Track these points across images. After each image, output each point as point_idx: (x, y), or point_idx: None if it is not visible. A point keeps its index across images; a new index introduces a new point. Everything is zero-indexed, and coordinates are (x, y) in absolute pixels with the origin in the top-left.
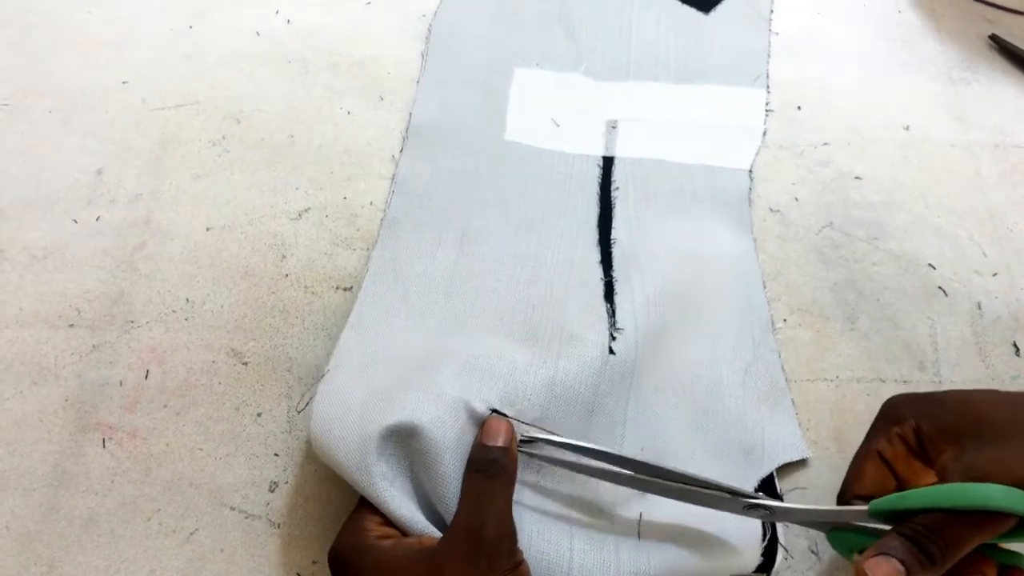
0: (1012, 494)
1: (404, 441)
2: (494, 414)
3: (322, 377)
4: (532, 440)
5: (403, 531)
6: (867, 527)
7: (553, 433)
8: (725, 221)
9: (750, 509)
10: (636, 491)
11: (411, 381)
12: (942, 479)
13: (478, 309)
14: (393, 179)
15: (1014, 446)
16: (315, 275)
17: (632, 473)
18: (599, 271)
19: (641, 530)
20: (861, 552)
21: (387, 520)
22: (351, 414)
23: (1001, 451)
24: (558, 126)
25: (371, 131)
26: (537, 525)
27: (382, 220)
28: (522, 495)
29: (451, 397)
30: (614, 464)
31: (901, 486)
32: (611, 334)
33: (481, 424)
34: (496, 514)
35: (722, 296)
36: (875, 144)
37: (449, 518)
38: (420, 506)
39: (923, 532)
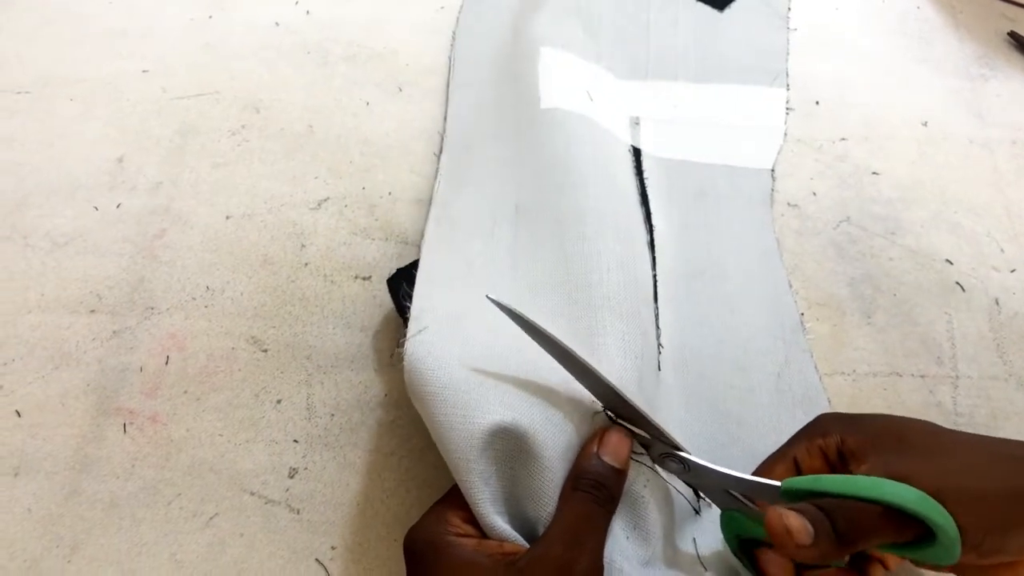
0: (924, 500)
1: (511, 440)
2: (617, 424)
3: (407, 321)
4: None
5: (486, 534)
6: (761, 517)
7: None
8: (748, 221)
9: (665, 458)
10: (689, 513)
11: (511, 366)
12: None
13: (547, 276)
14: (437, 172)
15: (933, 461)
16: (334, 264)
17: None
18: (648, 255)
19: (702, 560)
20: (746, 540)
21: (472, 516)
22: (453, 382)
23: (920, 461)
24: (592, 100)
25: (390, 122)
26: (618, 557)
27: (432, 196)
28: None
29: (562, 395)
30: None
31: None
32: (659, 347)
33: (596, 432)
34: (592, 550)
35: (749, 299)
36: (893, 140)
37: (540, 524)
38: (508, 508)
39: (836, 509)
